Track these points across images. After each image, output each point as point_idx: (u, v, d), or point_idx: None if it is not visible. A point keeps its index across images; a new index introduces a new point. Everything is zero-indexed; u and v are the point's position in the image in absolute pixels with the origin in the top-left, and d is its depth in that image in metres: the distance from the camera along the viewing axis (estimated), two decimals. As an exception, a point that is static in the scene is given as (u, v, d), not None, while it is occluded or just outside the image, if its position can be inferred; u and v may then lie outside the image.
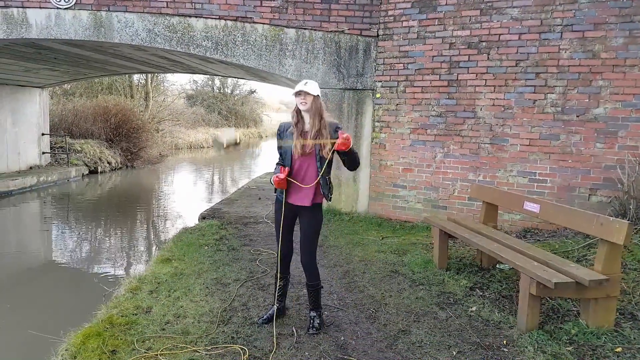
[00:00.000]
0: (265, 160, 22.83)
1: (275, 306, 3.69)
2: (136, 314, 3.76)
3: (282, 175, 3.39)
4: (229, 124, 34.94)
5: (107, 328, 3.51)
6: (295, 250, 3.73)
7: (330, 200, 3.62)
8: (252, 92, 39.35)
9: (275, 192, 3.64)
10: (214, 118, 33.50)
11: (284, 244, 3.61)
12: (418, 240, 6.06)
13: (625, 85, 5.87)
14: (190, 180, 16.38)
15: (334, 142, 3.25)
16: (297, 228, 3.61)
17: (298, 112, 3.45)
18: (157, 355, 3.14)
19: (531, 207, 4.11)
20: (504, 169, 6.59)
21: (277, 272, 3.67)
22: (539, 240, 5.85)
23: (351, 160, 3.40)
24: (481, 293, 4.26)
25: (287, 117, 3.62)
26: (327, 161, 3.42)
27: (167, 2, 7.25)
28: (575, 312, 3.76)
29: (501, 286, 4.38)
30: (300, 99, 3.37)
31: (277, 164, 3.59)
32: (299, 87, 3.36)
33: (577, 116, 6.14)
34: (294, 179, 3.44)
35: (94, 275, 6.39)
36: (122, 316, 3.71)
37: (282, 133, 3.54)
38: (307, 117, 3.43)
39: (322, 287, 3.78)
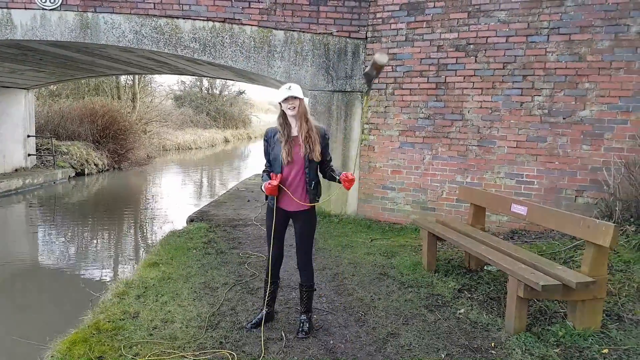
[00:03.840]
0: (253, 162, 22.75)
1: (264, 311, 3.67)
2: (123, 319, 3.71)
3: (274, 182, 3.36)
4: (217, 125, 34.76)
5: (94, 334, 3.46)
6: (285, 254, 3.72)
7: (317, 202, 3.62)
8: (240, 93, 39.19)
9: (266, 199, 3.61)
10: (202, 119, 33.31)
11: (275, 248, 3.59)
12: (407, 243, 6.07)
13: (611, 87, 5.94)
14: (178, 182, 16.27)
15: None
16: (287, 230, 3.60)
17: (284, 116, 3.43)
18: (144, 361, 3.11)
19: (518, 209, 4.13)
20: (492, 171, 6.63)
21: (267, 276, 3.64)
22: (526, 242, 5.89)
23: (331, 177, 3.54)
24: (469, 295, 4.27)
25: (275, 118, 3.59)
26: (315, 165, 3.43)
27: (154, 3, 7.19)
28: (562, 314, 3.79)
29: (489, 288, 4.40)
30: (289, 105, 3.35)
31: (265, 171, 3.57)
32: (286, 93, 3.32)
33: (564, 118, 6.20)
34: (284, 185, 3.43)
35: (81, 279, 6.29)
36: (109, 321, 3.66)
37: (270, 139, 3.50)
38: (293, 122, 3.41)
39: (315, 289, 3.77)
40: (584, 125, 6.11)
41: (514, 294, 3.44)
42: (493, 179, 6.62)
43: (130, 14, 7.19)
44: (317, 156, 3.39)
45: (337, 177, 3.45)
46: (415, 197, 7.14)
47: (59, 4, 7.15)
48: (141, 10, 7.19)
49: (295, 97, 3.34)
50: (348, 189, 3.35)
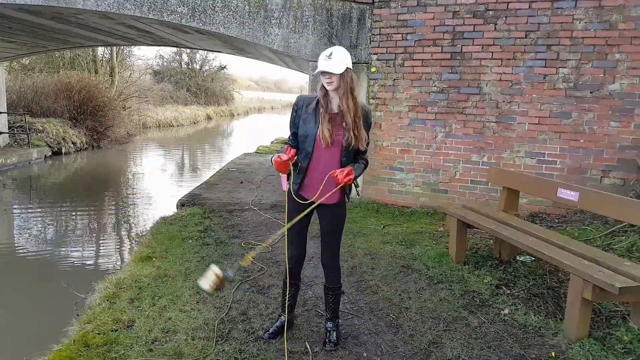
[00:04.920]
0: (238, 140, 22.00)
1: (283, 317, 3.12)
2: (116, 330, 3.13)
3: (285, 157, 2.77)
4: (199, 102, 33.65)
5: (81, 351, 2.88)
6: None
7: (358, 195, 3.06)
8: (222, 68, 37.91)
9: (288, 180, 2.95)
10: (182, 95, 32.14)
11: (297, 246, 3.02)
12: (422, 229, 5.57)
13: (644, 58, 5.45)
14: (162, 161, 15.48)
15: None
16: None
17: (324, 88, 2.76)
18: (145, 387, 2.55)
19: (568, 194, 3.64)
20: (511, 150, 6.14)
21: (285, 279, 3.06)
22: (552, 226, 5.45)
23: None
24: (509, 291, 3.80)
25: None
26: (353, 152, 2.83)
27: (137, -38, 6.40)
28: (620, 314, 3.35)
29: (528, 282, 3.93)
30: (326, 79, 2.70)
31: (286, 143, 2.96)
32: (322, 64, 2.66)
33: (591, 92, 5.70)
34: (311, 172, 2.83)
35: (62, 275, 5.55)
36: (98, 334, 3.08)
37: (300, 110, 2.85)
38: (334, 96, 2.77)
39: (344, 291, 3.23)
40: (612, 99, 5.63)
41: (578, 295, 2.96)
42: (512, 158, 6.13)
43: (110, -26, 6.39)
44: (362, 144, 2.79)
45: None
46: (425, 179, 6.62)
47: (27, -38, 6.31)
48: (122, -30, 6.39)
49: (332, 73, 2.70)
50: (338, 181, 2.73)
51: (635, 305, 3.11)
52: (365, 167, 2.95)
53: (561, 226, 5.38)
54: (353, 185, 2.88)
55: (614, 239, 4.63)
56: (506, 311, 3.48)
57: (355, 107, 2.73)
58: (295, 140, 2.89)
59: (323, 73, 2.69)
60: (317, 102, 2.79)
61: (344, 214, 3.00)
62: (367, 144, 2.86)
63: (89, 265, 6.09)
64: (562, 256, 3.17)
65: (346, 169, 2.74)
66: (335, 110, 2.80)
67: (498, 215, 4.19)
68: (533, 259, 4.33)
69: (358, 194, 3.12)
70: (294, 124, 2.89)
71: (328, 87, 2.71)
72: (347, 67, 2.70)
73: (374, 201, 6.83)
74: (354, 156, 2.90)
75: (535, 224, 5.59)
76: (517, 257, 4.41)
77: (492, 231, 3.85)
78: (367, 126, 2.84)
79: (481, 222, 4.01)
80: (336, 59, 2.66)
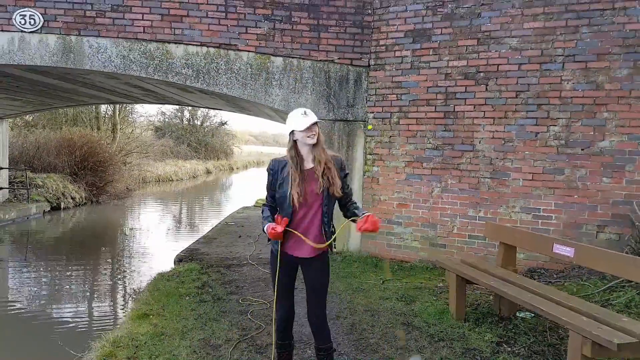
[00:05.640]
0: (237, 194, 22.12)
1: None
2: (111, 391, 3.08)
3: (279, 229, 2.82)
4: (199, 156, 34.08)
5: (75, 413, 2.82)
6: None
7: (334, 248, 3.11)
8: (222, 123, 38.70)
9: (268, 241, 3.07)
10: (182, 150, 32.60)
11: (285, 306, 3.04)
12: (422, 284, 5.56)
13: (631, 117, 5.65)
14: (161, 216, 15.52)
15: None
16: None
17: (295, 148, 2.90)
18: None
19: (563, 250, 3.69)
20: (506, 205, 6.22)
21: (275, 340, 3.05)
22: (550, 282, 5.44)
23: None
24: (509, 349, 3.77)
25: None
26: (334, 201, 2.94)
27: (144, 27, 6.72)
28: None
29: (529, 339, 3.90)
30: (310, 133, 2.83)
31: (266, 205, 3.04)
32: (307, 120, 2.81)
33: (582, 149, 5.87)
34: (294, 229, 2.90)
35: (58, 333, 5.45)
36: (93, 395, 3.03)
37: (276, 174, 2.96)
38: (306, 153, 2.90)
39: (335, 349, 3.21)
40: (603, 156, 5.78)
41: (577, 352, 2.95)
42: (508, 214, 6.20)
43: (117, 37, 6.69)
44: (337, 191, 2.89)
45: (360, 216, 2.90)
46: (423, 233, 6.66)
47: (39, 27, 6.61)
48: (130, 34, 6.70)
49: (315, 124, 2.86)
50: (362, 231, 2.80)
51: (637, 362, 3.08)
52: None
53: (559, 281, 5.38)
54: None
55: (612, 295, 4.63)
56: (508, 370, 3.44)
57: (326, 158, 2.88)
58: (274, 201, 2.99)
59: (307, 129, 2.80)
60: (293, 164, 2.88)
61: (328, 267, 3.03)
62: (351, 191, 2.97)
63: (85, 322, 5.99)
64: (560, 313, 3.18)
65: (364, 217, 2.80)
66: (310, 165, 2.90)
67: (496, 271, 4.22)
68: (533, 315, 4.31)
69: (334, 248, 3.13)
70: (271, 187, 3.00)
71: (311, 141, 2.84)
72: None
73: (373, 255, 6.84)
74: (341, 205, 2.99)
75: (534, 279, 5.59)
76: (517, 313, 4.40)
77: (491, 287, 3.87)
78: (344, 175, 2.96)
79: (480, 278, 4.03)
80: (311, 114, 2.84)
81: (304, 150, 2.89)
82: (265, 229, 2.89)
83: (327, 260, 3.02)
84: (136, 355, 3.61)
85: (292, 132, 2.87)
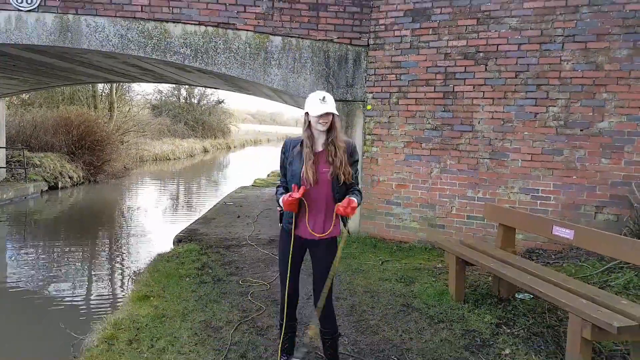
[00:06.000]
0: (235, 173, 22.10)
1: (283, 360, 3.13)
2: (115, 373, 3.12)
3: (296, 195, 2.78)
4: (196, 135, 33.94)
5: (80, 396, 2.87)
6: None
7: (348, 231, 3.10)
8: (220, 102, 38.45)
9: (280, 222, 3.07)
10: (180, 129, 32.46)
11: (292, 285, 3.05)
12: (421, 265, 5.60)
13: (630, 98, 5.63)
14: (159, 195, 15.52)
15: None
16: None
17: (310, 128, 2.89)
18: None
19: (563, 232, 3.70)
20: (505, 186, 6.24)
21: (282, 320, 3.09)
22: (548, 262, 5.49)
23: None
24: (509, 330, 3.82)
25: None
26: (344, 187, 2.92)
27: (141, 5, 6.60)
28: (620, 354, 3.37)
29: (528, 321, 3.95)
30: (322, 120, 2.82)
31: (280, 185, 3.04)
32: (322, 108, 2.78)
33: (581, 130, 5.85)
34: (299, 208, 2.90)
35: (58, 315, 5.49)
36: (97, 377, 3.07)
37: (287, 152, 2.97)
38: (320, 136, 2.90)
39: (340, 334, 3.24)
40: (602, 137, 5.78)
41: (577, 334, 2.99)
42: (507, 194, 6.22)
43: (115, 16, 6.58)
44: (348, 178, 2.88)
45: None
46: (422, 213, 6.69)
47: (36, 5, 6.49)
48: (127, 13, 6.59)
49: (330, 114, 2.83)
50: (341, 213, 2.81)
51: (635, 344, 3.13)
52: (361, 196, 3.00)
53: (558, 262, 5.43)
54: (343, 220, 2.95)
55: (610, 276, 4.67)
56: (507, 351, 3.49)
57: (338, 143, 2.87)
58: (286, 179, 2.99)
59: (320, 115, 2.79)
60: (301, 143, 2.90)
61: (336, 250, 3.04)
62: (357, 177, 2.96)
63: (86, 304, 6.03)
64: (560, 295, 3.21)
65: (345, 201, 2.81)
66: (320, 148, 2.90)
67: (495, 253, 4.25)
68: (532, 296, 4.36)
69: (348, 233, 3.14)
70: (283, 167, 3.01)
71: (322, 128, 2.83)
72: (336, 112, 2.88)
73: (372, 236, 6.88)
74: (346, 189, 2.99)
75: (532, 260, 5.64)
76: (517, 295, 4.44)
77: (490, 269, 3.90)
78: (354, 162, 2.94)
79: (480, 259, 4.06)
80: (330, 102, 2.82)
81: (316, 133, 2.90)
82: (280, 201, 2.89)
83: (335, 244, 3.03)
84: (137, 337, 3.66)
85: (306, 113, 2.86)
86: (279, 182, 3.10)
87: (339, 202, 2.91)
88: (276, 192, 3.03)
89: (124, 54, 6.74)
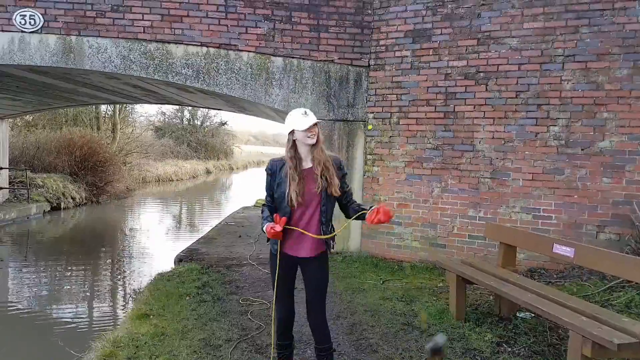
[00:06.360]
0: (237, 193, 22.12)
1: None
2: (111, 391, 3.08)
3: (278, 228, 2.80)
4: (199, 156, 34.08)
5: (76, 413, 2.83)
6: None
7: (333, 248, 3.10)
8: (223, 124, 38.71)
9: (267, 242, 3.07)
10: (183, 150, 32.61)
11: (285, 306, 3.05)
12: (422, 284, 5.56)
13: (631, 117, 5.65)
14: (161, 216, 15.52)
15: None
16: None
17: (294, 147, 2.91)
18: None
19: (563, 250, 3.68)
20: (506, 205, 6.23)
21: (275, 341, 3.06)
22: (550, 282, 5.44)
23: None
24: (510, 349, 3.77)
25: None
26: (334, 201, 2.94)
27: (144, 27, 6.72)
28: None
29: (529, 340, 3.90)
30: (310, 133, 2.85)
31: (265, 205, 3.03)
32: (308, 120, 2.82)
33: (582, 149, 5.87)
34: (292, 227, 2.91)
35: (58, 333, 5.45)
36: (94, 395, 3.03)
37: (275, 174, 2.97)
38: (305, 153, 2.91)
39: (335, 350, 3.22)
40: (603, 156, 5.78)
41: (577, 352, 2.95)
42: (508, 214, 6.20)
43: (117, 37, 6.70)
44: (336, 190, 2.89)
45: (368, 209, 2.86)
46: (424, 233, 6.66)
47: (39, 27, 6.61)
48: (130, 34, 6.70)
49: (316, 124, 2.87)
50: (375, 222, 2.77)
51: (638, 363, 3.08)
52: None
53: (559, 282, 5.38)
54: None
55: (612, 295, 4.63)
56: (508, 370, 3.44)
57: (325, 158, 2.90)
58: (273, 201, 2.99)
59: (307, 130, 2.81)
60: (291, 165, 2.89)
61: (327, 267, 3.03)
62: (350, 192, 2.95)
63: (85, 322, 5.99)
64: (561, 313, 3.18)
65: (375, 209, 2.78)
66: (310, 164, 2.91)
67: (497, 271, 4.22)
68: (533, 315, 4.32)
69: (333, 248, 3.11)
70: (270, 187, 3.00)
71: (311, 141, 2.85)
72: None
73: (373, 255, 6.84)
74: (341, 205, 3.00)
75: (534, 279, 5.59)
76: (518, 314, 4.40)
77: (491, 287, 3.87)
78: (342, 175, 2.96)
79: (480, 278, 4.03)
80: (311, 114, 2.87)
81: (303, 150, 2.90)
82: (264, 228, 2.89)
83: (326, 260, 3.03)
84: (136, 355, 3.62)
85: (291, 132, 2.88)
86: (264, 203, 3.08)
87: (329, 218, 2.93)
88: (262, 212, 3.03)
89: (126, 74, 6.83)
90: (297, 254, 2.94)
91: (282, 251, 2.93)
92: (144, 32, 6.73)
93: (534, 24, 5.98)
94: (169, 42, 6.77)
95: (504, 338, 3.94)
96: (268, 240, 3.02)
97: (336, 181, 2.89)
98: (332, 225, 3.00)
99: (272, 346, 3.05)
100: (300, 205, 2.86)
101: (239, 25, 6.76)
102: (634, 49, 5.60)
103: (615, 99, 5.71)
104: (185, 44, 6.79)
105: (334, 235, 2.98)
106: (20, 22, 6.59)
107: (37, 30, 6.64)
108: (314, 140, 2.87)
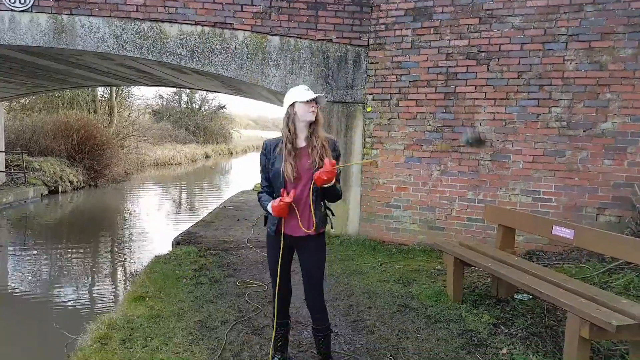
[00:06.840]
0: (236, 178, 22.06)
1: (277, 359, 3.05)
2: (105, 373, 3.05)
3: (288, 199, 2.73)
4: (197, 140, 33.91)
5: (69, 395, 2.80)
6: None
7: (332, 227, 3.06)
8: (221, 107, 38.44)
9: (265, 225, 3.01)
10: (181, 134, 32.43)
11: (283, 285, 3.00)
12: (420, 267, 5.52)
13: (634, 98, 5.56)
14: (159, 199, 15.47)
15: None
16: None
17: (293, 123, 2.83)
18: None
19: (563, 232, 3.63)
20: (506, 188, 6.16)
21: (274, 319, 3.03)
22: (549, 264, 5.41)
23: (332, 193, 2.87)
24: (507, 330, 3.73)
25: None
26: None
27: (137, 5, 6.56)
28: (619, 353, 3.28)
29: (526, 321, 3.87)
30: (311, 109, 2.79)
31: (263, 192, 2.97)
32: (308, 94, 2.77)
33: (584, 131, 5.79)
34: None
35: (53, 316, 5.45)
36: (87, 377, 3.00)
37: (269, 153, 2.91)
38: (303, 131, 2.84)
39: (332, 331, 3.19)
40: (605, 138, 5.71)
41: (575, 334, 2.91)
42: (507, 196, 6.15)
43: (110, 16, 6.55)
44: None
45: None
46: (422, 216, 6.61)
47: (29, 5, 6.46)
48: (122, 13, 6.56)
49: (317, 103, 2.81)
50: (319, 183, 2.70)
51: (633, 343, 3.04)
52: (340, 193, 2.93)
53: (558, 264, 5.34)
54: (329, 215, 2.96)
55: (610, 277, 4.59)
56: (504, 351, 3.41)
57: (321, 137, 2.84)
58: (268, 184, 2.93)
59: (307, 103, 2.75)
60: (288, 141, 2.82)
61: (324, 247, 2.98)
62: (339, 175, 2.87)
63: (82, 305, 5.97)
64: (559, 294, 3.13)
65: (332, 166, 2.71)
66: (303, 143, 2.85)
67: (495, 253, 4.17)
68: (531, 297, 4.28)
69: (332, 227, 3.10)
70: (265, 168, 2.94)
71: (310, 118, 2.79)
72: None
73: (372, 238, 6.80)
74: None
75: (532, 261, 5.55)
76: (515, 296, 4.36)
77: (489, 269, 3.83)
78: (336, 156, 2.89)
79: (478, 260, 3.98)
80: (312, 92, 2.82)
81: (300, 126, 2.83)
82: (269, 207, 2.82)
83: (323, 241, 2.98)
84: (131, 336, 3.58)
85: (291, 106, 2.80)
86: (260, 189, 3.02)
87: (320, 197, 2.87)
88: (259, 199, 2.96)
89: (119, 55, 6.69)
90: (294, 232, 2.88)
91: (280, 230, 2.87)
92: (137, 10, 6.58)
93: (538, 2, 5.84)
94: (162, 21, 6.62)
95: (501, 320, 3.91)
96: (266, 224, 2.97)
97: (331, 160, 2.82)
98: (325, 205, 2.95)
99: (274, 325, 3.00)
100: (295, 180, 2.80)
101: (234, 3, 6.60)
102: (639, 27, 5.48)
103: (618, 79, 5.61)
104: (180, 23, 6.64)
105: (327, 216, 2.94)
106: (9, 1, 6.43)
107: (28, 8, 6.49)
108: (314, 117, 2.79)
